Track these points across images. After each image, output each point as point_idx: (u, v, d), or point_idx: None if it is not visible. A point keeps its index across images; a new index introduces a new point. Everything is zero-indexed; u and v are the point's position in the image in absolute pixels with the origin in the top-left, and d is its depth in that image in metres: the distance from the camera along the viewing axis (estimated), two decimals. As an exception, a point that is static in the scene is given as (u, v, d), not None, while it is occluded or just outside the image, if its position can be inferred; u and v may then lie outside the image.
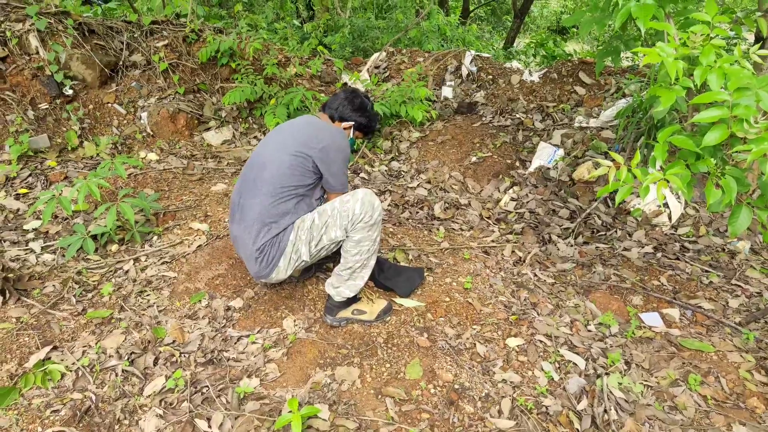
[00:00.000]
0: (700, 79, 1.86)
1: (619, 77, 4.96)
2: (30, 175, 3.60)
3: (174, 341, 2.33)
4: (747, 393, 2.19)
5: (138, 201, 3.04)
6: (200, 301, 2.58)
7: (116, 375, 2.12)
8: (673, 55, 1.90)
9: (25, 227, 3.10)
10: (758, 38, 3.10)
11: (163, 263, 2.86)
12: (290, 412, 1.89)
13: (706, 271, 3.04)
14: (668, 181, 1.93)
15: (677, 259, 3.16)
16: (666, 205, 3.51)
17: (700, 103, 1.84)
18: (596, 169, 2.70)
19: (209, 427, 1.93)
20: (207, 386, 2.10)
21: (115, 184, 3.57)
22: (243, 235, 2.35)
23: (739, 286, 2.89)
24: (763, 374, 2.27)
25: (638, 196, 3.47)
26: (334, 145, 2.32)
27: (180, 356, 2.25)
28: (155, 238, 3.08)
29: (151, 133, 4.28)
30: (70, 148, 3.92)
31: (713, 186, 1.96)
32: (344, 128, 2.54)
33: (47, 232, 3.08)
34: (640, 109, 3.86)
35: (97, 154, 3.93)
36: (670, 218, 3.48)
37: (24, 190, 3.43)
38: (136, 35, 4.66)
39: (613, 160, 2.03)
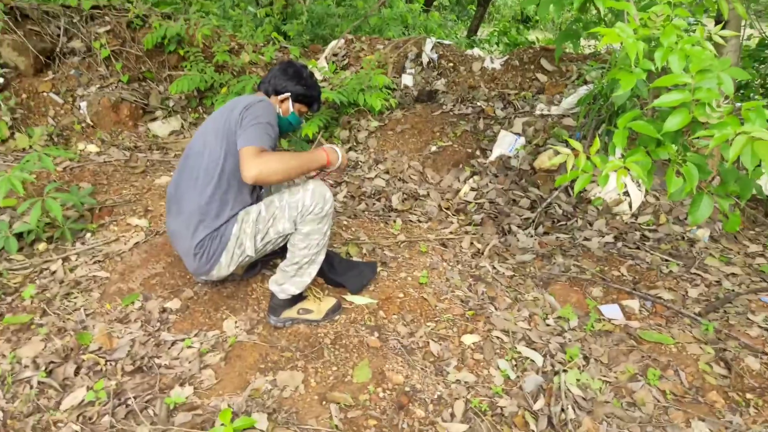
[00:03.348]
0: (661, 60, 1.77)
1: (580, 64, 4.88)
2: (-46, 169, 3.33)
3: (100, 348, 2.14)
4: (706, 387, 2.11)
5: (69, 196, 2.81)
6: (133, 302, 2.39)
7: (31, 387, 1.91)
8: (632, 36, 1.79)
9: (-57, 226, 2.84)
10: (718, 22, 3.05)
11: (95, 262, 2.65)
12: (222, 425, 1.73)
13: (666, 260, 2.97)
14: (628, 169, 1.83)
15: (637, 248, 3.09)
16: (626, 193, 3.44)
17: (660, 86, 1.74)
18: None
19: (132, 443, 1.75)
20: (133, 397, 1.92)
21: (48, 177, 3.32)
22: (180, 230, 2.17)
23: (699, 275, 2.83)
24: (722, 366, 2.20)
25: (598, 185, 3.40)
26: (252, 106, 2.10)
27: (105, 364, 2.06)
28: (88, 235, 2.86)
29: (91, 123, 4.02)
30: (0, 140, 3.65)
31: (674, 174, 1.86)
32: (281, 101, 2.35)
33: (-32, 230, 2.83)
34: (601, 95, 3.79)
35: (30, 146, 3.67)
36: (630, 207, 3.41)
37: (-55, 186, 3.15)
38: (75, 20, 4.38)
39: (572, 148, 1.92)
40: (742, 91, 4.64)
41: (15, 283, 2.46)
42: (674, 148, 1.92)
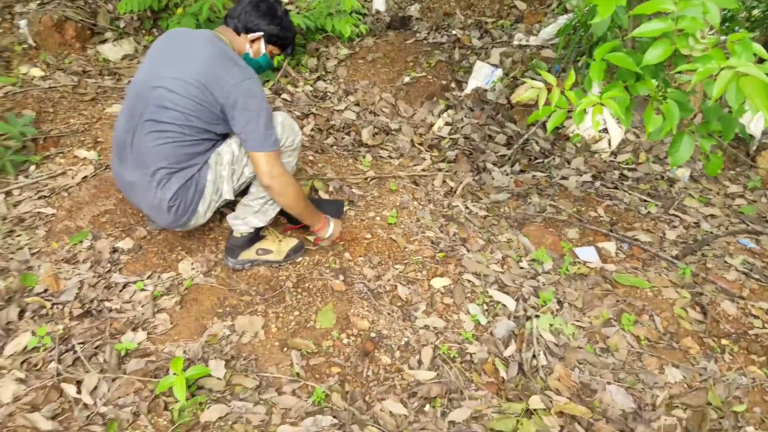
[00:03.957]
0: None
1: (563, -9, 4.62)
2: None
3: (46, 290, 1.98)
4: (681, 332, 2.07)
5: (5, 126, 2.55)
6: (81, 241, 2.21)
7: (-33, 335, 1.76)
8: (611, -47, 1.60)
9: None
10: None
11: (39, 197, 2.44)
12: (174, 374, 1.62)
13: (645, 200, 2.89)
14: (604, 106, 1.68)
15: (616, 188, 2.99)
16: (606, 130, 3.31)
17: (641, 14, 1.57)
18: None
19: (78, 392, 1.63)
20: (81, 343, 1.78)
21: (-15, 104, 3.02)
22: (142, 182, 1.92)
23: (677, 216, 2.76)
24: (698, 311, 2.16)
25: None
26: (244, 84, 1.86)
27: (52, 308, 1.91)
28: (32, 168, 2.63)
29: (34, 44, 3.66)
30: (-71, 62, 3.30)
31: (653, 112, 1.73)
32: (252, 41, 2.07)
33: None
34: (582, 25, 3.58)
35: (-35, 69, 3.33)
36: (610, 144, 3.29)
37: None
38: (9, -75, 3.90)
39: (546, 82, 1.76)
40: (727, 24, 4.46)
41: (-53, 221, 2.25)
42: (654, 84, 1.78)
